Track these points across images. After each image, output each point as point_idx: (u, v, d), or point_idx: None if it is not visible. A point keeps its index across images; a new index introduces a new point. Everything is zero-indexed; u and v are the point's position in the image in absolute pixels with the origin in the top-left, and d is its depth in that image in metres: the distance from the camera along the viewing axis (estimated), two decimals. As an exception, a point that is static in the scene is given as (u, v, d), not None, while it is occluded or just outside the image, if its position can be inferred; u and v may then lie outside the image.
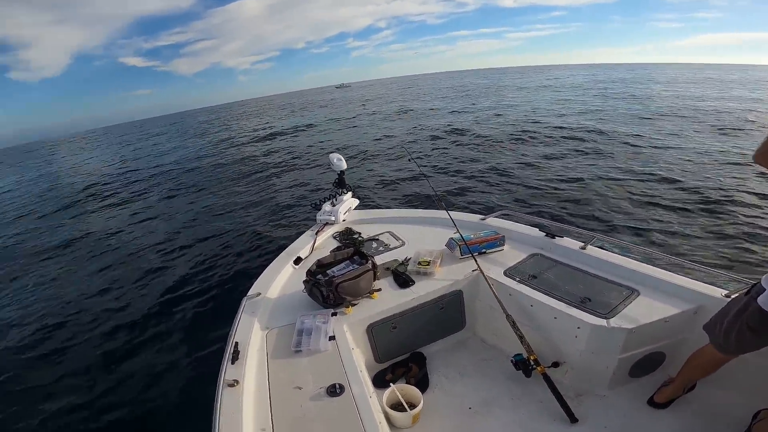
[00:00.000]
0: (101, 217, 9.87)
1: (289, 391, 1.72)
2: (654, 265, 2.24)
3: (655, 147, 9.64)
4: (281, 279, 2.63)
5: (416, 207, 3.48)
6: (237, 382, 1.73)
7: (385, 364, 2.35)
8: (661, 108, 16.88)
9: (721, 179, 7.05)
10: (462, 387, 2.22)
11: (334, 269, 2.25)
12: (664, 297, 2.04)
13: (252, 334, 2.08)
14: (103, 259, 6.87)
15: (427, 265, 2.39)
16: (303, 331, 2.03)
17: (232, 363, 1.85)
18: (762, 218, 5.43)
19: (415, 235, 2.96)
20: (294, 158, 13.11)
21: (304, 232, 3.25)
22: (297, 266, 2.76)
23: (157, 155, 20.85)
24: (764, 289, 1.47)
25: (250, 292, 2.46)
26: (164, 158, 19.02)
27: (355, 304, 2.21)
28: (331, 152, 3.52)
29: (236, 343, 1.95)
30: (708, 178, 7.18)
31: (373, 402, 1.65)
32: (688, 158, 8.50)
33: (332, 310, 2.15)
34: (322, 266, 2.28)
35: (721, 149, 9.17)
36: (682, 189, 6.71)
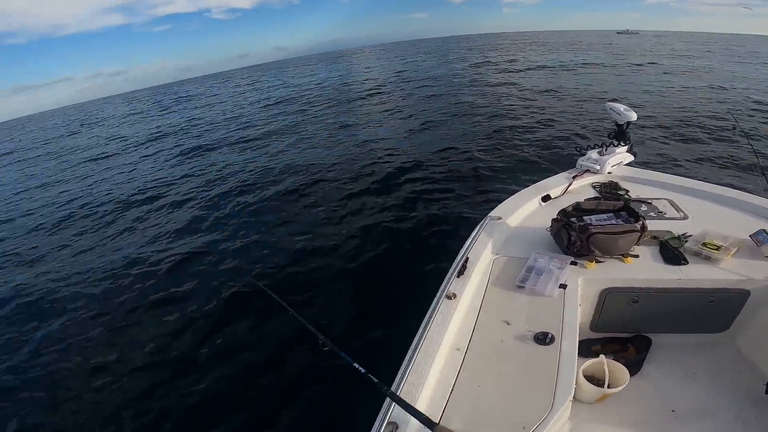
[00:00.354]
0: (374, 109, 11.57)
1: (497, 321, 1.72)
2: None
3: None
4: (524, 211, 2.57)
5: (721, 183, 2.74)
6: (455, 295, 1.82)
7: (599, 334, 2.11)
8: None
9: None
10: (678, 388, 1.86)
11: (593, 217, 2.04)
12: None
13: (482, 254, 2.13)
14: (367, 149, 8.13)
15: (716, 249, 1.90)
16: (534, 268, 1.97)
17: (458, 276, 1.94)
18: None
19: (704, 211, 2.38)
20: (557, 98, 12.03)
21: (558, 172, 3.04)
22: (544, 203, 2.64)
23: (424, 70, 22.35)
24: None
25: (492, 213, 2.50)
26: (431, 72, 20.23)
27: (600, 261, 1.99)
28: (611, 100, 3.04)
29: (466, 259, 2.04)
30: None
31: (575, 365, 1.52)
32: None
33: (572, 259, 2.00)
34: (579, 210, 2.09)
35: None
36: None
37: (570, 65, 21.04)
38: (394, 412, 1.33)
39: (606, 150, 3.00)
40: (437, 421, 1.18)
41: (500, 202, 2.68)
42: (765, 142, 6.99)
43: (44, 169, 13.82)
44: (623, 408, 1.79)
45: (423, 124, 9.98)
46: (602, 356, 1.77)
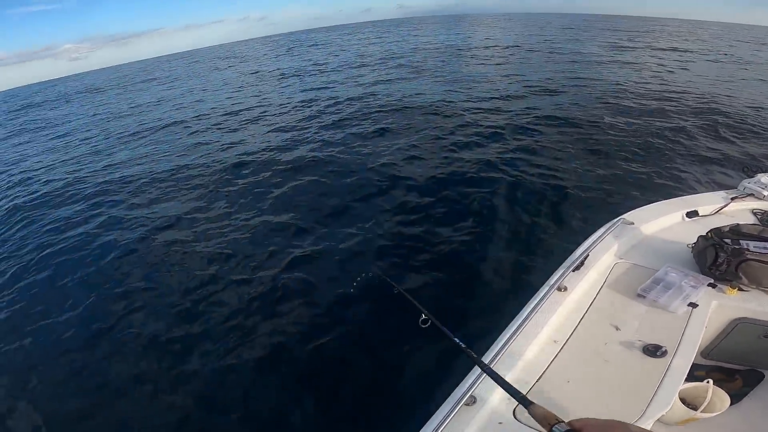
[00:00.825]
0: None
1: (604, 323, 1.72)
2: None
3: None
4: (665, 222, 2.46)
5: None
6: (566, 288, 1.84)
7: (708, 362, 2.04)
8: None
9: None
10: None
11: (751, 243, 1.91)
12: None
13: (605, 255, 2.11)
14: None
15: None
16: (663, 281, 1.92)
17: (574, 270, 1.94)
18: None
19: None
20: (732, 105, 10.32)
21: (713, 189, 2.81)
22: (689, 219, 2.49)
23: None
24: None
25: (626, 216, 2.44)
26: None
27: (745, 290, 1.88)
28: None
29: (587, 256, 2.03)
30: None
31: (678, 381, 1.49)
32: None
33: (711, 280, 1.91)
34: (736, 233, 1.97)
35: None
36: None
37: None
38: (480, 387, 1.40)
39: None
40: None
41: (633, 207, 2.58)
42: None
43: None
44: None
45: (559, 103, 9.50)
46: (710, 381, 1.74)
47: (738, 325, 1.88)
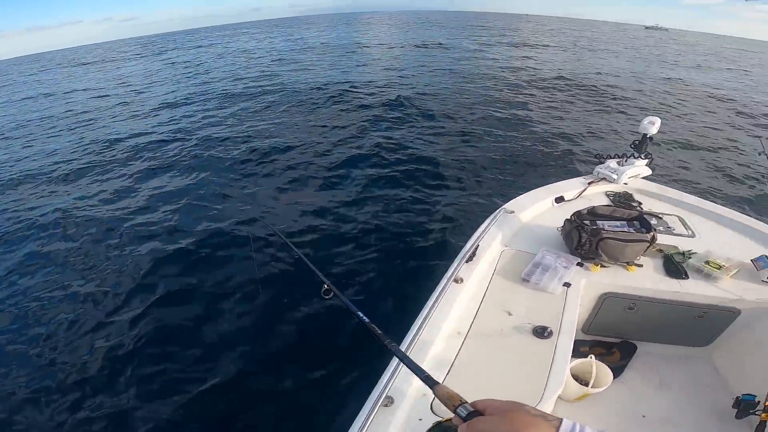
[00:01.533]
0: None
1: (498, 310, 1.81)
2: None
3: None
4: (538, 208, 2.66)
5: (729, 206, 2.83)
6: (462, 280, 1.91)
7: (589, 336, 2.25)
8: None
9: None
10: (652, 395, 2.03)
11: (606, 223, 2.13)
12: None
13: (492, 244, 2.22)
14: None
15: (718, 268, 2.00)
16: (541, 264, 2.06)
17: (467, 262, 2.02)
18: None
19: (711, 232, 2.47)
20: (580, 91, 11.89)
21: (574, 176, 3.12)
22: (557, 204, 2.72)
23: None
24: None
25: (506, 206, 2.59)
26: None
27: (605, 266, 2.09)
28: (648, 115, 3.09)
29: (477, 246, 2.13)
30: None
31: (568, 363, 1.61)
32: None
33: (578, 260, 2.10)
34: (593, 214, 2.18)
35: None
36: None
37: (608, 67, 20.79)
38: (396, 384, 1.40)
39: (626, 161, 3.05)
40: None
41: (511, 197, 2.77)
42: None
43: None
44: (599, 408, 1.94)
45: (438, 105, 9.98)
46: (592, 357, 1.89)
47: (605, 300, 2.08)
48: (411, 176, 5.91)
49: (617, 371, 2.10)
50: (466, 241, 2.25)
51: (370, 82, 12.50)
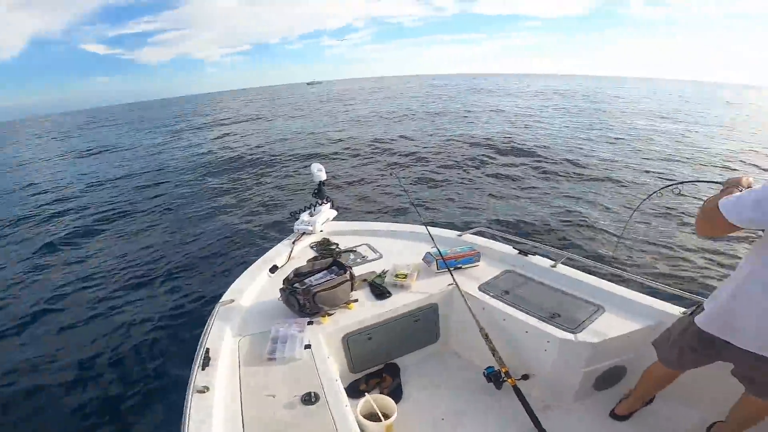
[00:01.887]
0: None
1: (262, 398, 1.71)
2: (618, 283, 2.35)
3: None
4: (256, 286, 2.61)
5: (394, 220, 3.57)
6: (207, 388, 1.71)
7: (360, 374, 2.37)
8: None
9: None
10: (435, 398, 2.26)
11: (312, 278, 2.26)
12: (627, 313, 2.14)
13: (224, 340, 2.06)
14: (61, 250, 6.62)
15: (404, 278, 2.42)
16: (278, 338, 2.03)
17: (203, 369, 1.82)
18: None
19: (392, 248, 3.00)
20: (266, 163, 12.82)
21: (281, 240, 3.24)
22: (273, 274, 2.74)
23: (114, 151, 19.93)
24: (704, 310, 1.57)
25: (223, 298, 2.43)
26: (121, 154, 18.34)
27: (331, 314, 2.23)
28: (313, 162, 3.53)
29: (207, 349, 1.93)
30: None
31: (349, 411, 1.66)
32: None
33: (308, 319, 2.16)
34: (299, 275, 2.28)
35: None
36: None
37: (269, 125, 23.17)
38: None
39: (314, 210, 3.38)
40: None
41: (231, 283, 2.64)
42: (412, 180, 9.47)
43: None
44: (408, 430, 2.03)
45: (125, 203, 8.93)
46: (366, 394, 1.98)
47: (348, 340, 2.22)
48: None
49: (398, 391, 2.27)
50: (193, 351, 1.98)
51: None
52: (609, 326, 2.06)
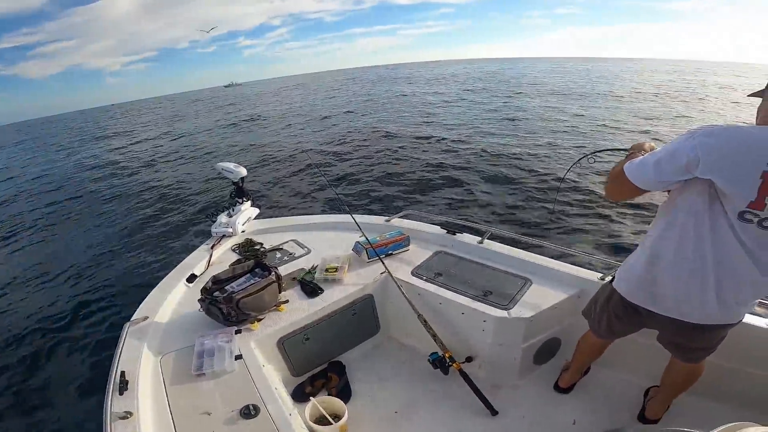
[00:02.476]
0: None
1: (196, 418, 1.57)
2: (542, 254, 2.43)
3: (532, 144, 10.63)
4: (173, 300, 2.36)
5: (321, 213, 3.45)
6: (130, 413, 1.54)
7: (303, 377, 2.24)
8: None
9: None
10: (385, 391, 2.20)
11: (234, 284, 2.07)
12: (552, 284, 2.21)
13: (142, 361, 1.85)
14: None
15: (335, 271, 2.32)
16: (204, 352, 1.86)
17: (120, 394, 1.64)
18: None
19: (320, 241, 2.88)
20: (177, 168, 11.98)
21: (198, 245, 2.97)
22: (191, 284, 2.50)
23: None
24: (623, 279, 1.59)
25: (134, 317, 2.17)
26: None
27: (261, 319, 2.07)
28: (223, 162, 3.25)
29: (122, 372, 1.73)
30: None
31: (295, 419, 1.57)
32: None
33: (236, 328, 1.99)
34: (218, 282, 2.08)
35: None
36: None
37: (181, 131, 21.68)
38: None
39: (233, 210, 3.14)
40: None
41: (138, 302, 2.36)
42: (333, 174, 9.35)
43: None
44: (362, 428, 1.95)
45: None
46: (311, 399, 1.87)
47: (284, 344, 2.08)
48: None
49: (346, 389, 2.17)
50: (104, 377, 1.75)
51: None
52: (538, 299, 2.11)
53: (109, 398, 1.60)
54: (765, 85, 1.26)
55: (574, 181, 7.18)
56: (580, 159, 2.16)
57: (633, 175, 1.35)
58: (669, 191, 1.39)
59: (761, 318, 1.81)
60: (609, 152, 2.13)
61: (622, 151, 1.72)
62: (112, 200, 9.37)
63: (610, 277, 1.93)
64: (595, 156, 2.03)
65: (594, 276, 2.14)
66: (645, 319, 1.57)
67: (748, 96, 1.43)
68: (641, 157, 1.38)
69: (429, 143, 11.52)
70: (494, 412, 1.97)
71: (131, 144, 19.03)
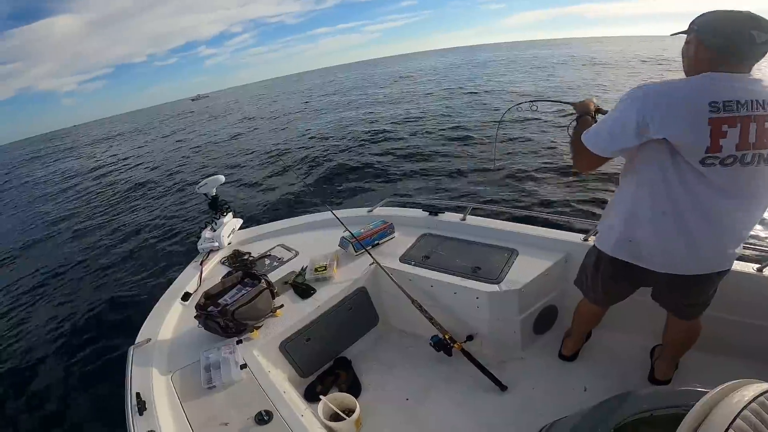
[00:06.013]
0: None
1: (216, 429, 1.62)
2: (525, 222, 2.47)
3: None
4: (171, 319, 2.38)
5: (303, 214, 3.50)
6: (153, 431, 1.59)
7: (312, 377, 2.29)
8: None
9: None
10: (393, 380, 2.23)
11: (226, 297, 2.11)
12: (539, 252, 2.24)
13: (153, 381, 1.89)
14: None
15: (324, 270, 2.36)
16: (210, 366, 1.90)
17: (140, 414, 1.68)
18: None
19: (306, 242, 2.90)
20: (155, 188, 11.69)
21: (187, 263, 2.98)
22: (186, 302, 2.51)
23: None
24: (603, 237, 1.59)
25: (137, 340, 2.20)
26: None
27: (259, 327, 2.10)
28: (210, 175, 3.22)
29: (137, 394, 1.78)
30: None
31: (308, 419, 1.60)
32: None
33: (236, 338, 2.02)
34: (211, 297, 2.11)
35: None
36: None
37: (148, 148, 21.31)
38: None
39: (216, 224, 3.13)
40: None
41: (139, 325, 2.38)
42: (305, 170, 9.37)
43: None
44: (377, 419, 1.99)
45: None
46: (321, 397, 1.91)
47: (286, 347, 2.11)
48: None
49: (356, 383, 2.22)
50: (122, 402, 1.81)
51: None
52: (526, 268, 2.14)
53: (131, 420, 1.65)
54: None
55: (528, 140, 7.28)
56: (519, 104, 2.17)
57: (592, 144, 1.39)
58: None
59: (752, 264, 1.83)
60: (550, 102, 2.15)
61: (563, 104, 1.74)
62: (81, 237, 9.14)
63: (593, 237, 1.95)
64: (536, 104, 2.05)
65: (577, 238, 2.18)
66: (637, 274, 1.52)
67: (671, 35, 1.43)
68: (594, 126, 1.42)
69: (395, 133, 11.62)
70: (503, 388, 2.00)
71: (94, 174, 18.51)
